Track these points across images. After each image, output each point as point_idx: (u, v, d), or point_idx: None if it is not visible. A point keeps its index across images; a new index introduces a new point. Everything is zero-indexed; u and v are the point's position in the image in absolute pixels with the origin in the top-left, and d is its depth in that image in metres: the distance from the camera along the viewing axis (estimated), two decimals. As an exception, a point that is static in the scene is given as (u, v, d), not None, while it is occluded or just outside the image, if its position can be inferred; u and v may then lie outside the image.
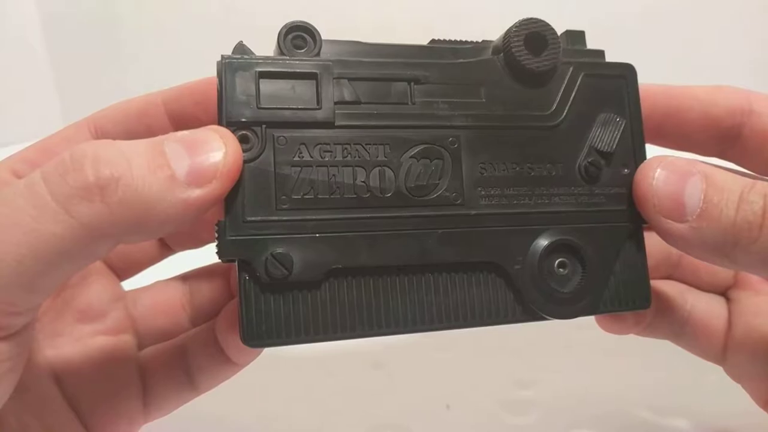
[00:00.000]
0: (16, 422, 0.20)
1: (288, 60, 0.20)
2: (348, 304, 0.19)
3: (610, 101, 0.22)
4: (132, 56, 0.54)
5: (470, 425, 0.32)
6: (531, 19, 0.21)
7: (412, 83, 0.21)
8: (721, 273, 0.26)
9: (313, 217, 0.19)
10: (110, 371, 0.23)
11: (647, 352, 0.31)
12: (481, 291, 0.20)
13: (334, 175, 0.19)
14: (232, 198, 0.18)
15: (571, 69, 0.22)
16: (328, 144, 0.20)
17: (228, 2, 0.53)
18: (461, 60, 0.21)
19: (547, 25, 0.21)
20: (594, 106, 0.22)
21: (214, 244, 0.19)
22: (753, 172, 0.24)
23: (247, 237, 0.18)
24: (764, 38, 0.55)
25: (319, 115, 0.20)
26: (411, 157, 0.20)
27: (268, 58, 0.20)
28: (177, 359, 0.24)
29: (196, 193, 0.17)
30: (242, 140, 0.19)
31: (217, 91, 0.19)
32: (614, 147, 0.22)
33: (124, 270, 0.26)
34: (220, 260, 0.19)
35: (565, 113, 0.22)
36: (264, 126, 0.19)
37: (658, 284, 0.26)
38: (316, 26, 0.20)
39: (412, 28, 0.49)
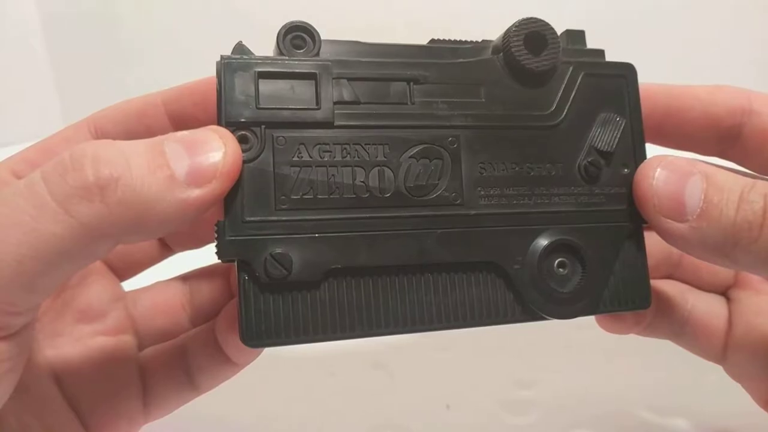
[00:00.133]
0: (16, 422, 0.20)
1: (287, 60, 0.20)
2: (347, 304, 0.19)
3: (610, 101, 0.22)
4: (132, 56, 0.54)
5: (470, 425, 0.32)
6: (530, 18, 0.21)
7: (412, 83, 0.21)
8: (722, 273, 0.26)
9: (312, 217, 0.19)
10: (110, 371, 0.23)
11: (647, 352, 0.31)
12: (481, 291, 0.20)
13: (333, 175, 0.19)
14: (231, 198, 0.18)
15: (571, 68, 0.22)
16: (328, 144, 0.20)
17: (228, 2, 0.53)
18: (461, 60, 0.21)
19: (547, 24, 0.21)
20: (594, 106, 0.22)
21: (214, 244, 0.19)
22: (753, 171, 0.24)
23: (247, 237, 0.18)
24: (765, 38, 0.55)
25: (319, 115, 0.20)
26: (410, 157, 0.20)
27: (267, 58, 0.20)
28: (177, 359, 0.24)
29: (195, 193, 0.17)
30: (241, 140, 0.19)
31: (217, 91, 0.19)
32: (614, 147, 0.22)
33: (124, 270, 0.26)
34: (219, 260, 0.19)
35: (564, 113, 0.22)
36: (263, 126, 0.19)
37: (658, 284, 0.26)
38: (315, 26, 0.20)
39: (412, 28, 0.49)
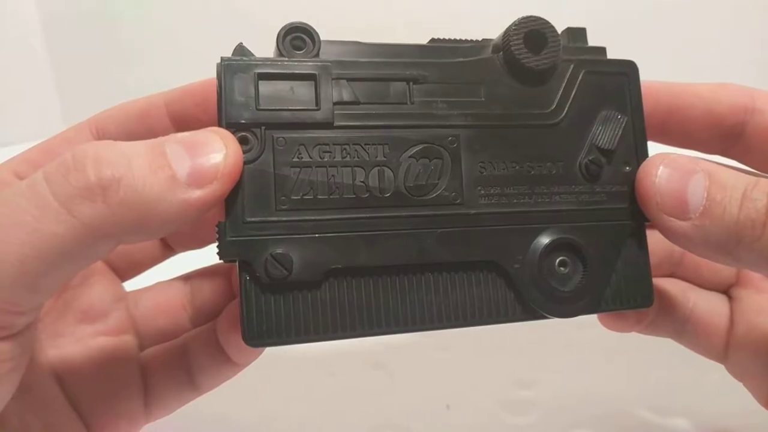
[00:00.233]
0: (18, 422, 0.20)
1: (287, 61, 0.20)
2: (348, 304, 0.19)
3: (611, 98, 0.22)
4: (132, 56, 0.54)
5: (470, 425, 0.32)
6: (530, 17, 0.21)
7: (411, 83, 0.21)
8: (724, 271, 0.26)
9: (313, 218, 0.19)
10: (111, 371, 0.23)
11: (647, 351, 0.31)
12: (481, 290, 0.20)
13: (333, 175, 0.19)
14: (232, 199, 0.18)
15: (571, 66, 0.22)
16: (327, 144, 0.20)
17: (228, 2, 0.53)
18: (460, 59, 0.21)
19: (547, 22, 0.21)
20: (595, 104, 0.22)
21: (216, 244, 0.19)
22: (756, 169, 0.24)
23: (247, 238, 0.18)
24: (765, 38, 0.54)
25: (318, 115, 0.20)
26: (410, 156, 0.20)
27: (267, 59, 0.20)
28: (178, 359, 0.24)
29: (196, 193, 0.17)
30: (242, 141, 0.19)
31: (217, 92, 0.19)
32: (615, 144, 0.22)
33: (125, 270, 0.26)
34: (221, 261, 0.19)
35: (565, 111, 0.22)
36: (263, 127, 0.19)
37: (660, 282, 0.26)
38: (315, 26, 0.20)
39: (412, 28, 0.49)
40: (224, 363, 0.23)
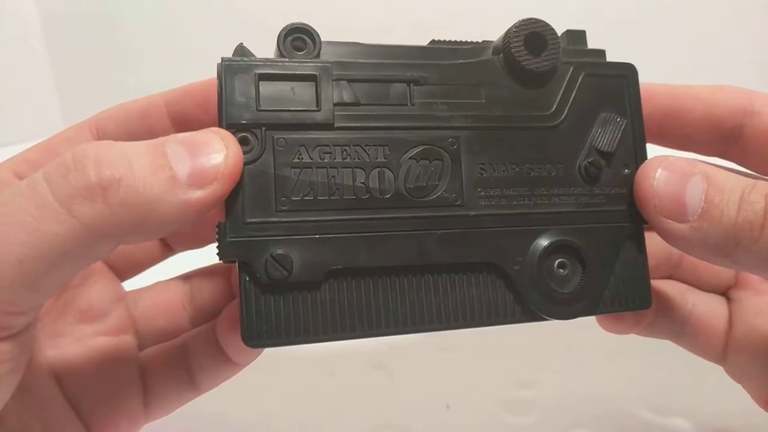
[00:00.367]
0: (17, 422, 0.20)
1: (287, 62, 0.20)
2: (348, 305, 0.19)
3: (611, 101, 0.22)
4: (132, 56, 0.54)
5: (470, 425, 0.32)
6: (531, 19, 0.21)
7: (412, 84, 0.21)
8: (722, 273, 0.26)
9: (313, 219, 0.19)
10: (111, 371, 0.23)
11: (647, 352, 0.31)
12: (481, 291, 0.20)
13: (333, 176, 0.19)
14: (232, 200, 0.19)
15: (571, 69, 0.22)
16: (328, 145, 0.20)
17: (228, 2, 0.53)
18: (461, 61, 0.21)
19: (547, 25, 0.21)
20: (595, 106, 0.22)
21: (215, 245, 0.19)
22: (754, 172, 0.24)
23: (247, 238, 0.18)
24: (765, 38, 0.55)
25: (319, 116, 0.20)
26: (410, 158, 0.20)
27: (267, 60, 0.20)
28: (178, 359, 0.24)
29: (197, 194, 0.17)
30: (242, 142, 0.19)
31: (218, 93, 0.19)
32: (615, 147, 0.22)
33: (125, 270, 0.26)
34: (221, 261, 0.19)
35: (565, 113, 0.22)
36: (264, 128, 0.19)
37: (658, 284, 0.26)
38: (316, 27, 0.20)
39: (413, 29, 0.49)
40: (224, 363, 0.23)
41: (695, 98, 0.23)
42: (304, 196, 0.19)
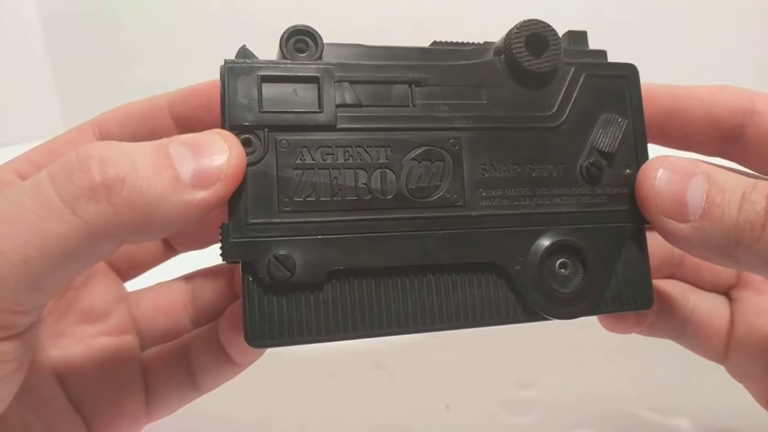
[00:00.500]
0: (19, 421, 0.20)
1: (290, 64, 0.20)
2: (350, 305, 0.19)
3: (612, 101, 0.22)
4: (132, 56, 0.54)
5: (470, 425, 0.32)
6: (532, 20, 0.21)
7: (413, 85, 0.21)
8: (724, 272, 0.27)
9: (315, 219, 0.19)
10: (113, 371, 0.23)
11: (648, 351, 0.31)
12: (482, 291, 0.20)
13: (335, 177, 0.20)
14: (235, 201, 0.19)
15: (572, 69, 0.22)
16: (330, 147, 0.20)
17: (228, 2, 0.53)
18: (462, 62, 0.21)
19: (548, 26, 0.22)
20: (596, 107, 0.22)
21: (218, 245, 0.19)
22: (755, 172, 0.24)
23: (250, 239, 0.19)
24: (765, 38, 0.55)
25: (321, 118, 0.20)
26: (412, 159, 0.20)
27: (270, 62, 0.20)
28: (179, 359, 0.24)
29: (200, 195, 0.17)
30: (245, 144, 0.19)
31: (220, 95, 0.19)
32: (616, 147, 0.22)
33: (127, 271, 0.26)
34: (224, 262, 0.19)
35: (566, 114, 0.22)
36: (266, 129, 0.19)
37: (660, 284, 0.26)
38: (317, 28, 0.20)
39: (414, 30, 0.49)
40: (225, 363, 0.23)
41: (696, 98, 0.23)
42: (306, 197, 0.19)
